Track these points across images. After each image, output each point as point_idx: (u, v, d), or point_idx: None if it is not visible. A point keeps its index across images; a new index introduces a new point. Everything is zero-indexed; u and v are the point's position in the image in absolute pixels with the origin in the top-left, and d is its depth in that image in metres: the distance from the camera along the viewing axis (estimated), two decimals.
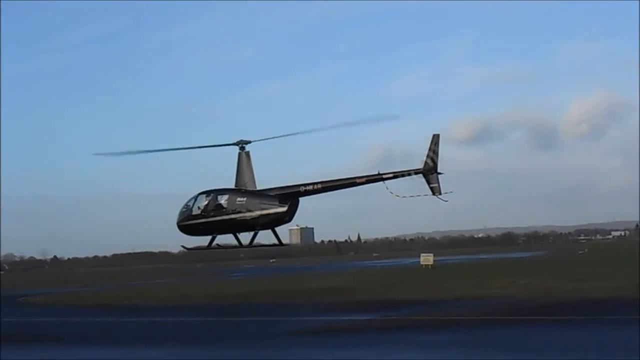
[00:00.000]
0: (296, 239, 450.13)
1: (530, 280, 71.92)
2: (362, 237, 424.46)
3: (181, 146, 42.88)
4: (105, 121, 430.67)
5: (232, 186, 41.06)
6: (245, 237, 41.43)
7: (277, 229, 39.34)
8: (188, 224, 41.32)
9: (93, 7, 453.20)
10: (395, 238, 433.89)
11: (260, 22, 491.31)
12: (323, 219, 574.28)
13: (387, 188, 38.95)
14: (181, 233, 41.73)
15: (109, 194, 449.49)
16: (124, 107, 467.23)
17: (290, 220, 40.67)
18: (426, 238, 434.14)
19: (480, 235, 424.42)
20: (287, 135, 42.18)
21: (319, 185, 39.91)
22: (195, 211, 40.98)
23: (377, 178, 39.30)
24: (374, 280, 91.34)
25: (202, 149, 42.35)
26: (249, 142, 40.16)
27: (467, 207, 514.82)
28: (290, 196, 40.30)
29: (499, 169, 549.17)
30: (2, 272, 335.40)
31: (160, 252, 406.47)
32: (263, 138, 40.60)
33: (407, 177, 38.88)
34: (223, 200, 40.84)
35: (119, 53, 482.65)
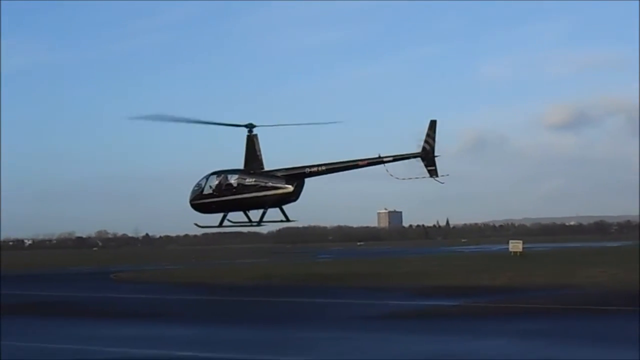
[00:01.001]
0: (384, 223, 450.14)
1: (621, 270, 70.66)
2: (451, 223, 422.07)
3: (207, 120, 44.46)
4: (187, 104, 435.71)
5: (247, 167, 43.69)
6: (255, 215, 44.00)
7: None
8: (200, 202, 43.59)
9: None
10: (484, 224, 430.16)
11: (344, 4, 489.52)
12: (412, 203, 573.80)
13: (387, 170, 40.99)
14: (194, 211, 43.96)
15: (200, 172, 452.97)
16: (206, 91, 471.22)
17: (296, 199, 42.99)
18: (516, 225, 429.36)
19: (571, 223, 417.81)
20: (295, 124, 48.35)
21: (323, 167, 41.90)
22: (207, 190, 43.10)
23: (378, 161, 41.15)
24: (461, 266, 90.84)
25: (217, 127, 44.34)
26: (256, 125, 42.25)
27: (559, 194, 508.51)
28: (296, 177, 42.40)
29: (593, 155, 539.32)
30: (95, 249, 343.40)
31: (249, 232, 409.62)
32: (271, 124, 43.46)
33: (406, 161, 41.06)
34: (233, 180, 42.75)
35: (199, 37, 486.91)
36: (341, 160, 42.51)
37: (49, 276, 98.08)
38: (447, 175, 40.95)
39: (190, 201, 44.70)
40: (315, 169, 42.35)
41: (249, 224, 45.61)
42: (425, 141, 40.18)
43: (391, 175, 41.28)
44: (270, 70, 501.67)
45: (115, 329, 37.87)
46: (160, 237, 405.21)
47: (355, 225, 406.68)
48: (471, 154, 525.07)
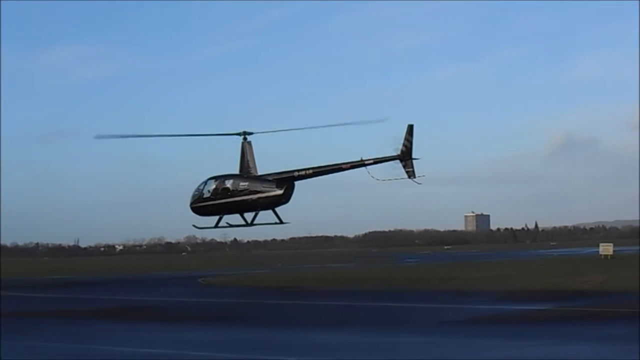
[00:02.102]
0: (471, 226, 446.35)
1: None
2: (540, 225, 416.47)
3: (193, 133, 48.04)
4: (273, 106, 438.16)
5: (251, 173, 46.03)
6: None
7: None
8: (199, 205, 46.59)
9: None
10: (574, 227, 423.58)
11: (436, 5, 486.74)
12: (499, 206, 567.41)
13: (368, 172, 43.43)
14: (194, 214, 47.44)
15: None
16: (300, 94, 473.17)
17: (287, 201, 45.66)
18: (607, 227, 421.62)
19: None
20: (290, 129, 46.79)
21: (310, 171, 44.51)
22: (206, 194, 46.02)
23: (360, 164, 43.37)
24: (550, 270, 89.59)
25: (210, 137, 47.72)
26: (252, 133, 44.94)
27: None
28: (286, 180, 44.95)
29: None
30: (184, 254, 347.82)
31: (335, 237, 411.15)
32: (266, 130, 45.80)
33: (385, 163, 43.33)
34: (229, 184, 45.58)
35: (292, 41, 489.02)
36: (328, 164, 44.51)
37: (138, 281, 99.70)
38: (424, 176, 43.18)
39: (191, 205, 47.44)
40: (303, 172, 44.77)
41: (243, 225, 47.88)
42: (404, 144, 42.35)
43: (372, 177, 43.39)
44: (358, 71, 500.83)
45: (203, 333, 38.25)
46: (248, 241, 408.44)
47: (442, 229, 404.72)
48: (561, 156, 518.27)
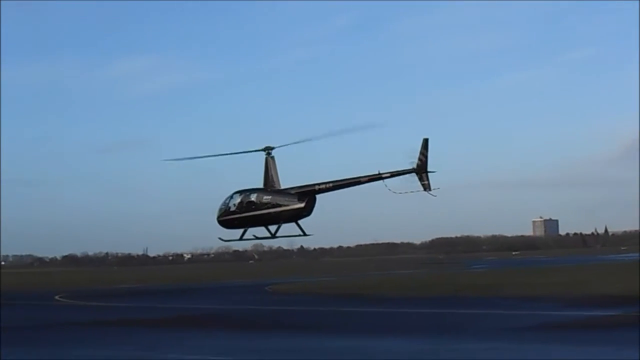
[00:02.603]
0: (540, 231, 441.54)
1: None
2: (610, 230, 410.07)
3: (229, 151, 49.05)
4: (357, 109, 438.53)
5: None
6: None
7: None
8: (226, 219, 48.09)
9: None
10: None
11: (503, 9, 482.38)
12: (568, 211, 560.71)
13: (385, 185, 44.87)
14: (220, 227, 48.77)
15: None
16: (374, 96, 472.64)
17: (308, 214, 47.00)
18: None
19: None
20: (308, 140, 47.81)
21: (330, 184, 46.23)
22: (232, 208, 47.67)
23: (377, 177, 45.15)
24: (619, 275, 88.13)
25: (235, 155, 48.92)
26: (274, 147, 46.80)
27: None
28: (307, 194, 46.54)
29: None
30: (251, 261, 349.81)
31: (401, 243, 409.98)
32: (286, 143, 47.35)
33: (401, 176, 44.81)
34: (253, 197, 47.34)
35: (356, 46, 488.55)
36: (346, 177, 46.52)
37: (206, 289, 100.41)
38: (439, 188, 44.39)
39: (218, 218, 48.91)
40: (323, 186, 46.61)
41: (268, 237, 49.48)
42: (419, 158, 43.66)
43: (389, 190, 44.97)
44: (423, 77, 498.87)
45: (270, 341, 38.36)
46: (315, 249, 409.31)
47: (509, 235, 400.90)
48: (630, 159, 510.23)
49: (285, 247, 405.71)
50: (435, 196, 44.62)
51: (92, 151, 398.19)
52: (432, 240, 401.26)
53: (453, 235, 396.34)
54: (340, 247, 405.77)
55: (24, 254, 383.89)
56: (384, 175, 45.11)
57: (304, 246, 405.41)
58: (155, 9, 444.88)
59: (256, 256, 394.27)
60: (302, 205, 46.57)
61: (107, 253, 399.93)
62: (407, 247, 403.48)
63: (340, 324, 48.19)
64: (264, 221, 48.02)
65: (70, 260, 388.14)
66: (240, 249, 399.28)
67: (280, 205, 46.89)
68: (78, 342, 39.98)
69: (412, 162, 44.10)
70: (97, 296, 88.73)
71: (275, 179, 47.66)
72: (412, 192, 44.63)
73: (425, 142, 43.76)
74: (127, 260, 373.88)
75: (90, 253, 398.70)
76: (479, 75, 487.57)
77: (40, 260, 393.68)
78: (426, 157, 43.71)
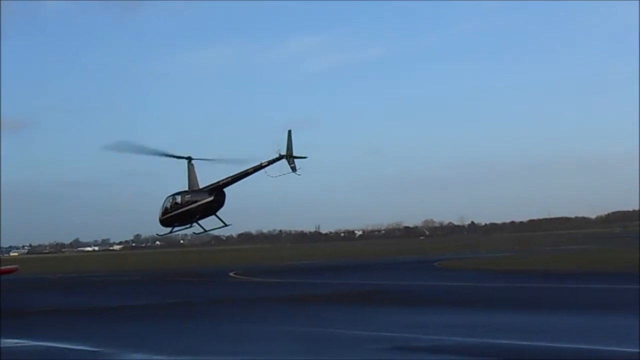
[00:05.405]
0: None
1: None
2: None
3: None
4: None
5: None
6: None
7: None
8: (164, 218, 61.60)
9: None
10: None
11: None
12: None
13: (265, 172, 59.43)
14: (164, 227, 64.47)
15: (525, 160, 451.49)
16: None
17: (219, 207, 60.58)
18: None
19: None
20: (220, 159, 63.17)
21: (229, 179, 59.61)
22: (168, 208, 60.94)
23: (259, 167, 58.80)
24: None
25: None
26: (193, 158, 61.09)
27: None
28: (215, 189, 59.46)
29: None
30: (422, 238, 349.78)
31: (575, 218, 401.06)
32: (205, 158, 62.75)
33: (276, 163, 57.85)
34: (178, 199, 60.03)
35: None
36: (239, 171, 59.37)
37: (376, 265, 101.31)
38: (300, 168, 57.15)
39: (159, 219, 61.87)
40: (223, 181, 59.13)
41: (201, 233, 64.64)
42: (287, 147, 55.86)
43: (268, 175, 58.38)
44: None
45: (438, 317, 38.48)
46: (485, 224, 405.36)
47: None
48: None
49: (455, 223, 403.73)
50: (300, 175, 58.76)
51: (275, 130, 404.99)
52: (609, 214, 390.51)
53: (630, 209, 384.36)
54: (512, 223, 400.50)
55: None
56: (263, 165, 57.78)
57: (475, 222, 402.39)
58: None
59: (426, 232, 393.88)
60: (212, 198, 58.53)
61: (280, 230, 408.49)
62: (582, 221, 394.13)
63: (508, 300, 47.76)
64: (189, 217, 60.63)
65: (245, 237, 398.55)
66: (411, 225, 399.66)
67: (197, 201, 58.67)
68: (252, 317, 41.19)
69: (279, 150, 56.06)
70: (269, 272, 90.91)
71: (194, 182, 59.47)
72: (283, 174, 57.55)
73: (289, 133, 56.15)
74: (300, 238, 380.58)
75: (265, 231, 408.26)
76: None
77: (217, 239, 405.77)
78: (291, 146, 55.49)
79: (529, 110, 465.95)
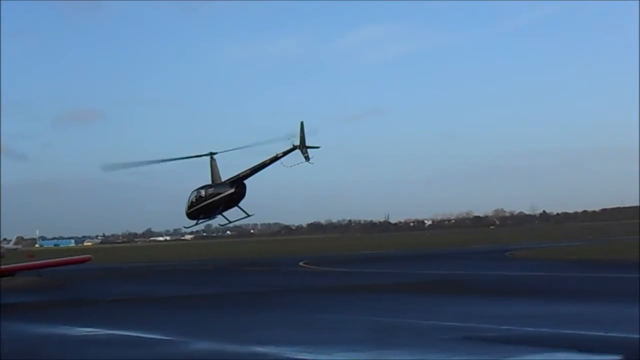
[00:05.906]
0: None
1: None
2: None
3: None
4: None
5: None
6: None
7: None
8: (190, 211, 61.05)
9: None
10: None
11: None
12: None
13: (281, 163, 57.08)
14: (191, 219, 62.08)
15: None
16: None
17: (241, 198, 59.97)
18: None
19: None
20: (249, 146, 59.66)
21: (248, 171, 58.72)
22: (193, 202, 60.80)
23: (275, 158, 56.86)
24: None
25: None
26: (216, 152, 60.29)
27: None
28: (236, 181, 58.95)
29: None
30: (492, 227, 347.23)
31: None
32: (228, 149, 60.71)
33: (291, 153, 56.40)
34: (202, 192, 60.29)
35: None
36: (256, 164, 58.67)
37: (446, 255, 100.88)
38: (312, 157, 56.25)
39: (186, 212, 61.36)
40: (243, 174, 58.93)
41: (226, 224, 65.31)
42: (299, 138, 55.25)
43: (283, 165, 57.15)
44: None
45: (512, 307, 38.11)
46: (558, 214, 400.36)
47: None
48: None
49: (526, 213, 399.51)
50: (312, 164, 55.95)
51: (337, 120, 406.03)
52: None
53: None
54: (584, 212, 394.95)
55: (271, 222, 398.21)
56: (279, 156, 56.71)
57: (547, 211, 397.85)
58: None
59: (497, 221, 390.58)
60: (233, 190, 58.75)
61: (350, 220, 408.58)
62: None
63: (579, 289, 47.14)
64: (213, 209, 60.33)
65: (315, 227, 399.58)
66: (481, 215, 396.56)
67: (219, 194, 59.38)
68: (323, 306, 41.26)
69: (291, 140, 56.04)
70: (338, 262, 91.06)
71: (217, 176, 60.12)
72: (298, 164, 56.69)
73: (302, 125, 55.33)
74: (370, 227, 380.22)
75: (334, 220, 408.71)
76: None
77: (287, 228, 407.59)
78: (304, 137, 55.21)
79: (600, 99, 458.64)
